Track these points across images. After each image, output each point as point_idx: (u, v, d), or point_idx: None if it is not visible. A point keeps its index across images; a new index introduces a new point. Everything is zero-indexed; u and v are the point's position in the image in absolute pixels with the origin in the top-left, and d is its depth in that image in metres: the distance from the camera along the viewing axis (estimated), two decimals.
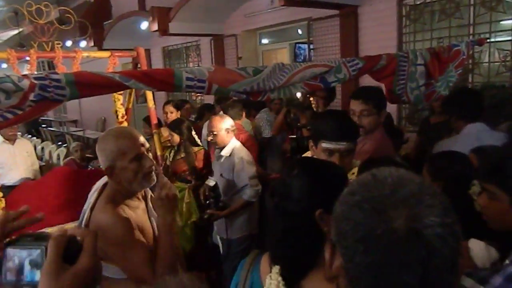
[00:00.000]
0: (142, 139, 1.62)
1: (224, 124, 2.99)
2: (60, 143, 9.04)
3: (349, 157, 1.68)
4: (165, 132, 3.90)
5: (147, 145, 1.64)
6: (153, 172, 1.62)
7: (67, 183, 2.56)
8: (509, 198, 1.23)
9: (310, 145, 1.79)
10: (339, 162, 1.62)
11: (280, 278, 1.01)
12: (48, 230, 2.57)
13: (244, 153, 3.03)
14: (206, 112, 4.58)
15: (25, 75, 1.54)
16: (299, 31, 6.32)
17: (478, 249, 1.26)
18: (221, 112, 4.06)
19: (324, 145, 1.66)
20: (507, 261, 0.87)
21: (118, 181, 1.57)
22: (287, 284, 1.01)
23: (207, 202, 2.99)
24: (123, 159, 1.54)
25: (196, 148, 3.65)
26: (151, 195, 1.76)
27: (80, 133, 9.91)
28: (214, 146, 3.10)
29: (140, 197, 1.71)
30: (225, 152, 3.02)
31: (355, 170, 1.71)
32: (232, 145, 3.03)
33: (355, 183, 0.65)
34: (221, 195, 3.01)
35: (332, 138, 1.64)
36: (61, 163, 5.91)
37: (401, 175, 0.63)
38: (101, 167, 3.66)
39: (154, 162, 1.68)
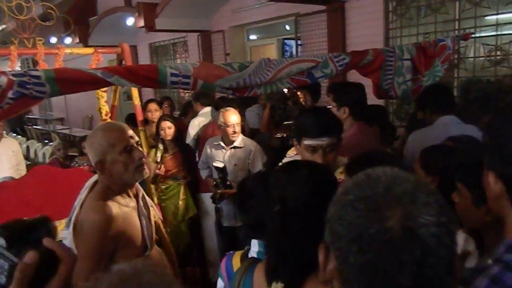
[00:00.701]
0: (130, 131, 1.61)
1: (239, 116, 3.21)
2: (46, 141, 8.90)
3: (332, 153, 1.66)
4: (152, 129, 3.84)
5: (137, 138, 1.63)
6: (145, 165, 1.60)
7: (47, 182, 2.51)
8: (471, 195, 1.26)
9: (294, 143, 1.78)
10: (323, 159, 1.61)
11: None
12: None
13: (254, 142, 3.28)
14: (190, 109, 4.52)
15: (2, 72, 1.50)
16: (287, 27, 6.31)
17: (459, 239, 1.27)
18: (206, 109, 4.02)
19: (306, 142, 1.65)
20: (489, 261, 0.85)
21: (109, 175, 1.55)
22: None
23: (214, 183, 2.98)
24: (113, 151, 1.52)
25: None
26: (143, 194, 1.74)
27: (67, 131, 9.76)
28: (229, 138, 3.14)
29: (132, 195, 1.68)
30: (238, 142, 3.17)
31: (342, 169, 1.67)
32: (241, 136, 3.23)
33: (349, 182, 0.64)
34: (227, 176, 3.02)
35: (313, 134, 1.63)
36: (47, 161, 5.82)
37: (396, 173, 0.61)
38: (85, 165, 3.60)
39: (145, 154, 1.66)
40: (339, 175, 1.64)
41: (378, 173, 0.61)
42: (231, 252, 1.39)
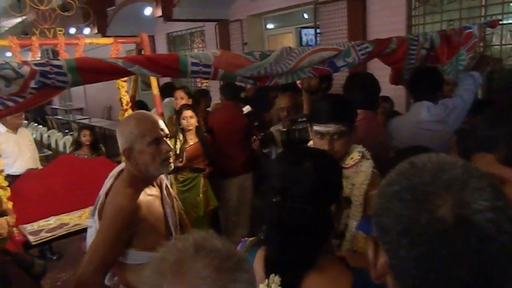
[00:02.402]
0: (162, 123, 1.62)
1: None
2: (66, 131, 9.06)
3: (340, 140, 1.60)
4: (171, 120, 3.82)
5: (166, 131, 1.64)
6: (171, 159, 1.62)
7: (71, 171, 2.55)
8: None
9: (309, 129, 1.76)
10: (329, 145, 1.58)
11: None
12: (53, 218, 2.57)
13: None
14: (202, 98, 4.51)
15: (25, 62, 1.51)
16: (305, 15, 6.20)
17: None
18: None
19: (315, 127, 1.63)
20: None
21: (135, 164, 1.56)
22: None
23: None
24: (142, 142, 1.54)
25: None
26: (166, 184, 1.75)
27: (86, 121, 9.92)
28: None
29: (155, 185, 1.70)
30: None
31: (354, 155, 1.64)
32: None
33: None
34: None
35: (321, 120, 1.61)
36: (68, 151, 5.92)
37: (442, 159, 0.57)
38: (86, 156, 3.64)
39: (172, 148, 1.67)
40: (350, 160, 1.63)
41: (424, 160, 0.58)
42: (246, 238, 1.38)
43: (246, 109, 3.89)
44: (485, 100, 3.27)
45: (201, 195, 3.41)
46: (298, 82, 3.08)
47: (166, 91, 4.22)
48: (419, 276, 0.53)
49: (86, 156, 4.09)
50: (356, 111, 1.77)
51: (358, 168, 1.59)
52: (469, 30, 2.48)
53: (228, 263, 0.67)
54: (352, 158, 1.64)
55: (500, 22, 3.72)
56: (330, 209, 1.02)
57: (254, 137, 2.88)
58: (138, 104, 4.12)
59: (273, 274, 0.98)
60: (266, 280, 0.99)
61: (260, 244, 1.10)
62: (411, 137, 2.25)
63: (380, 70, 2.54)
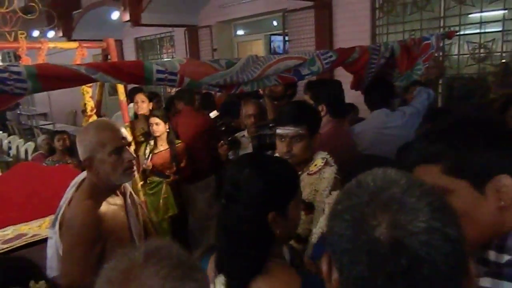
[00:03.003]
0: (124, 132, 1.58)
1: None
2: (29, 137, 8.72)
3: (299, 143, 1.63)
4: (140, 124, 3.77)
5: (129, 138, 1.60)
6: (134, 167, 1.58)
7: (31, 179, 2.46)
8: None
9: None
10: (287, 147, 1.62)
11: None
12: (10, 228, 2.47)
13: None
14: (173, 106, 4.43)
15: None
16: (274, 23, 6.29)
17: None
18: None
19: (277, 130, 1.68)
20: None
21: (96, 173, 1.52)
22: None
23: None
24: (103, 151, 1.49)
25: (177, 141, 3.57)
26: (130, 192, 1.72)
27: (50, 127, 9.58)
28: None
29: (119, 193, 1.66)
30: None
31: (318, 161, 1.67)
32: None
33: (341, 191, 0.62)
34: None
35: (281, 123, 1.66)
36: (30, 157, 5.71)
37: (388, 176, 0.58)
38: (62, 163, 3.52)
39: (134, 156, 1.64)
40: (313, 167, 1.65)
41: (368, 178, 0.59)
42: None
43: (213, 114, 3.90)
44: (441, 108, 3.43)
45: (160, 201, 3.43)
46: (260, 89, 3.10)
47: (134, 95, 4.12)
48: None
49: (60, 162, 3.96)
50: (319, 117, 1.81)
51: (321, 175, 1.62)
52: (427, 42, 2.60)
53: (176, 271, 0.67)
54: (316, 164, 1.66)
55: (457, 33, 3.92)
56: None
57: (222, 141, 2.89)
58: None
59: (220, 275, 1.01)
60: (214, 281, 1.01)
61: (215, 249, 1.13)
62: (373, 142, 2.33)
63: (344, 78, 2.61)
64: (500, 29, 3.85)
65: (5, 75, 1.44)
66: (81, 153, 1.53)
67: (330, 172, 1.61)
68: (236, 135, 2.94)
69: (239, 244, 1.00)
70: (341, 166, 1.69)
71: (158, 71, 1.73)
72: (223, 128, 3.57)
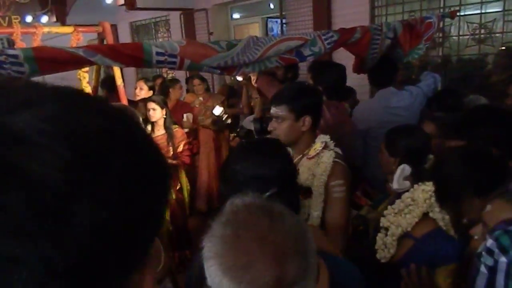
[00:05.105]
0: None
1: None
2: None
3: (281, 124, 1.59)
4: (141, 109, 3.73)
5: None
6: None
7: None
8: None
9: None
10: (276, 127, 1.61)
11: None
12: None
13: None
14: (168, 90, 4.37)
15: None
16: (271, 5, 6.19)
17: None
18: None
19: None
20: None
21: None
22: None
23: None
24: None
25: (174, 126, 3.54)
26: None
27: None
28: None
29: None
30: None
31: (317, 145, 1.61)
32: None
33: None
34: None
35: (272, 102, 1.65)
36: None
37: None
38: None
39: None
40: (312, 151, 1.60)
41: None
42: None
43: (218, 110, 3.85)
44: (444, 91, 3.43)
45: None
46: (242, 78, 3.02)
47: (108, 84, 3.99)
48: None
49: None
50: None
51: (319, 159, 1.57)
52: (429, 20, 2.57)
53: (297, 229, 0.68)
54: (315, 148, 1.61)
55: (458, 14, 3.87)
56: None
57: (233, 135, 2.88)
58: (107, 82, 3.86)
59: None
60: None
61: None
62: (380, 122, 2.30)
63: (344, 60, 2.58)
64: (500, 9, 3.81)
65: (1, 58, 1.41)
66: None
67: (328, 156, 1.55)
68: (243, 122, 2.92)
69: None
70: (341, 149, 1.65)
71: (158, 53, 1.70)
72: (229, 121, 3.53)
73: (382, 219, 1.44)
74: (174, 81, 4.72)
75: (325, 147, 1.60)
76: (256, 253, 0.62)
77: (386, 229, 1.42)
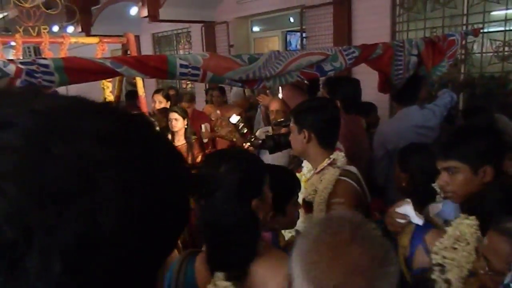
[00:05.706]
0: None
1: None
2: None
3: (291, 138, 1.68)
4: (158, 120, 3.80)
5: None
6: None
7: None
8: (469, 168, 1.33)
9: None
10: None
11: (228, 283, 0.99)
12: None
13: None
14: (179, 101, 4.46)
15: (11, 60, 1.48)
16: (291, 19, 6.25)
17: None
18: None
19: None
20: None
21: None
22: (236, 284, 0.99)
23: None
24: None
25: (194, 136, 3.60)
26: None
27: None
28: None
29: None
30: None
31: (325, 162, 1.60)
32: None
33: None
34: None
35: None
36: None
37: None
38: None
39: None
40: (320, 166, 1.60)
41: None
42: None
43: (235, 119, 3.87)
44: (470, 108, 3.41)
45: None
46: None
47: (131, 95, 4.18)
48: None
49: None
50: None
51: (323, 175, 1.57)
52: (452, 38, 2.55)
53: (380, 252, 0.73)
54: (322, 164, 1.61)
55: (481, 31, 3.84)
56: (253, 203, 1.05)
57: (247, 144, 2.88)
58: (129, 95, 4.00)
59: (217, 272, 1.02)
60: (212, 279, 1.02)
61: (197, 251, 1.15)
62: (408, 142, 2.25)
63: (362, 75, 2.58)
64: None
65: (33, 67, 1.46)
66: None
67: (331, 173, 1.55)
68: (257, 133, 2.92)
69: (229, 237, 1.02)
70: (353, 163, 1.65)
71: (182, 66, 1.73)
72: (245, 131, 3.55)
73: (435, 256, 1.38)
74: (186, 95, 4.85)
75: (331, 163, 1.59)
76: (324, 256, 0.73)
77: (440, 265, 1.37)
